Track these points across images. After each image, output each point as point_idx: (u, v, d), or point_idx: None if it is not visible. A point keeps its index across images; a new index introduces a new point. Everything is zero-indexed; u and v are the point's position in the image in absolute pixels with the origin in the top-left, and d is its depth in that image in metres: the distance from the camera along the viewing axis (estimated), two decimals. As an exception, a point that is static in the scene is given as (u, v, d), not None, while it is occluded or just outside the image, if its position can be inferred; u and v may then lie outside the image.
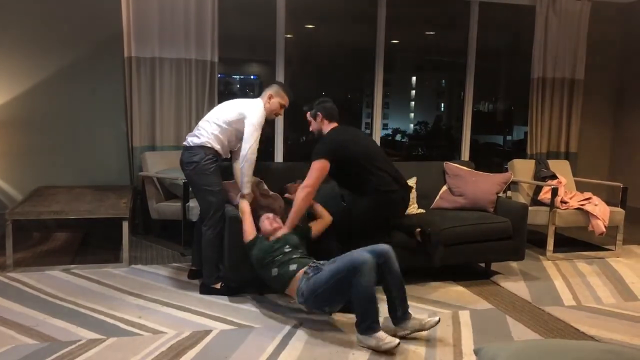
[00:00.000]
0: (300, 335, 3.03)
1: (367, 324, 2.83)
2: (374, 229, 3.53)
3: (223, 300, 3.54)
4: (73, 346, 2.82)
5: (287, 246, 3.27)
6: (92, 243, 4.88)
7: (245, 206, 3.57)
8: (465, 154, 6.36)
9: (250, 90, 6.90)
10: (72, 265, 4.14)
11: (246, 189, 3.60)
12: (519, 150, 6.71)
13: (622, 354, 1.36)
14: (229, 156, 3.87)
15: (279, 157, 5.75)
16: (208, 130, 3.67)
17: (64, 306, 3.37)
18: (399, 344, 2.80)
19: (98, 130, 5.26)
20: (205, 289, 3.66)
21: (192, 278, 3.92)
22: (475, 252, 4.04)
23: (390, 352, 2.80)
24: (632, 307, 3.62)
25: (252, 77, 6.94)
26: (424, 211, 4.37)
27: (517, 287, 3.95)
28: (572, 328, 3.23)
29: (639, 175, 6.34)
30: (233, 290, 3.64)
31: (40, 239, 4.91)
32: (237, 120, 3.63)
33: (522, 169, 5.32)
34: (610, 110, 6.81)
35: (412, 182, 4.43)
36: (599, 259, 4.78)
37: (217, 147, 3.67)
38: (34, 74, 5.06)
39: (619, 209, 4.86)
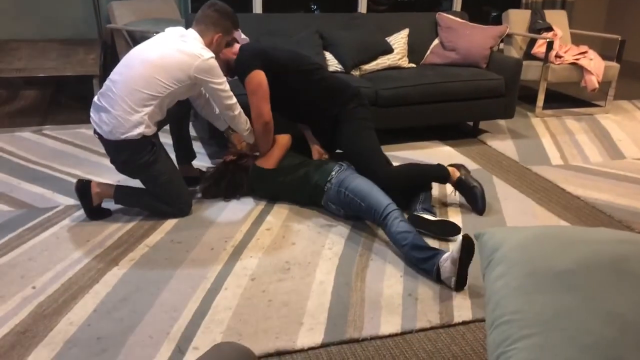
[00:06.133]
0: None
1: None
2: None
3: (206, 163, 3.43)
4: (51, 212, 2.73)
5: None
6: (62, 102, 4.63)
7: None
8: (458, 4, 5.95)
9: None
10: (44, 127, 3.95)
11: (251, 135, 2.89)
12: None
13: (638, 243, 1.29)
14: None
15: (257, 7, 5.32)
16: (131, 109, 2.48)
17: (39, 170, 3.23)
18: None
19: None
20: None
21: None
22: (466, 110, 3.90)
23: None
24: (618, 165, 3.60)
25: None
26: (415, 66, 4.15)
27: (505, 146, 3.88)
28: (558, 188, 3.21)
29: (638, 27, 6.06)
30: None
31: (7, 97, 4.63)
32: (187, 85, 2.58)
33: (517, 20, 5.02)
34: (614, -46, 6.32)
35: (403, 34, 4.15)
36: (587, 115, 4.70)
37: (151, 129, 2.56)
38: None
39: (614, 64, 4.68)
